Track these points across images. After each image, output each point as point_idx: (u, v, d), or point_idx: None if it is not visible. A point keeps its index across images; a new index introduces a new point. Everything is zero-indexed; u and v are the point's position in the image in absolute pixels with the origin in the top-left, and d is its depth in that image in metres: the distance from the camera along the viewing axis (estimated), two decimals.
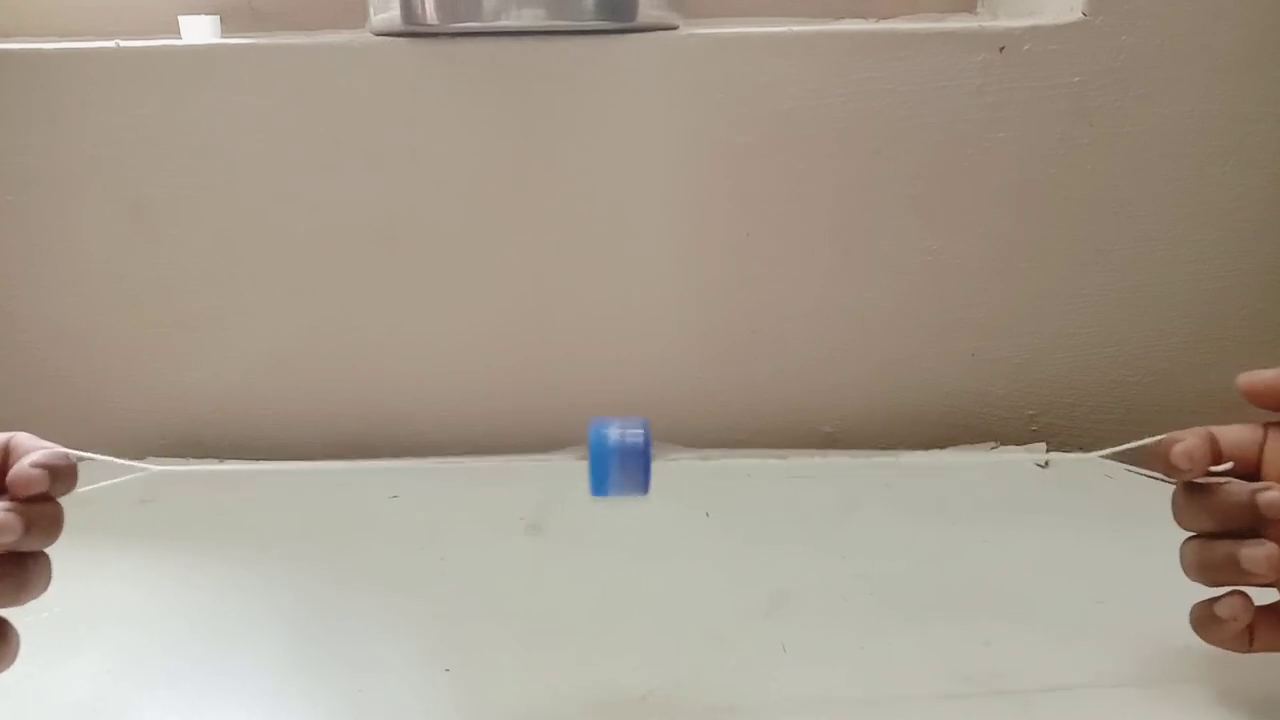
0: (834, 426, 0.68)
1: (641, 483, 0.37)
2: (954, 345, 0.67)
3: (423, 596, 0.50)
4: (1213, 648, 0.39)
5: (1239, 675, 0.42)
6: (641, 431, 0.37)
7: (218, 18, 0.65)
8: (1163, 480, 0.39)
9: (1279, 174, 0.63)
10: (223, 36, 0.64)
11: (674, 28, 0.61)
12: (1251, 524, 0.37)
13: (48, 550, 0.36)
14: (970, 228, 0.64)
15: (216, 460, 0.65)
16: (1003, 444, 0.67)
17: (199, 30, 0.64)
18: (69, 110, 0.61)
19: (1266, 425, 0.39)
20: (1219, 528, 0.38)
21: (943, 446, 0.67)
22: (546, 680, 0.43)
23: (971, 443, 0.67)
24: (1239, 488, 0.37)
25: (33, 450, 0.35)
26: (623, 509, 0.57)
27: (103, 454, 0.37)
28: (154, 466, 0.37)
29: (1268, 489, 0.37)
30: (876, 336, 0.66)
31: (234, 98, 0.61)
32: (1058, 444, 0.66)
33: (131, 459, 0.37)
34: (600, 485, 0.37)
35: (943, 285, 0.65)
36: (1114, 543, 0.54)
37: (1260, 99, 0.62)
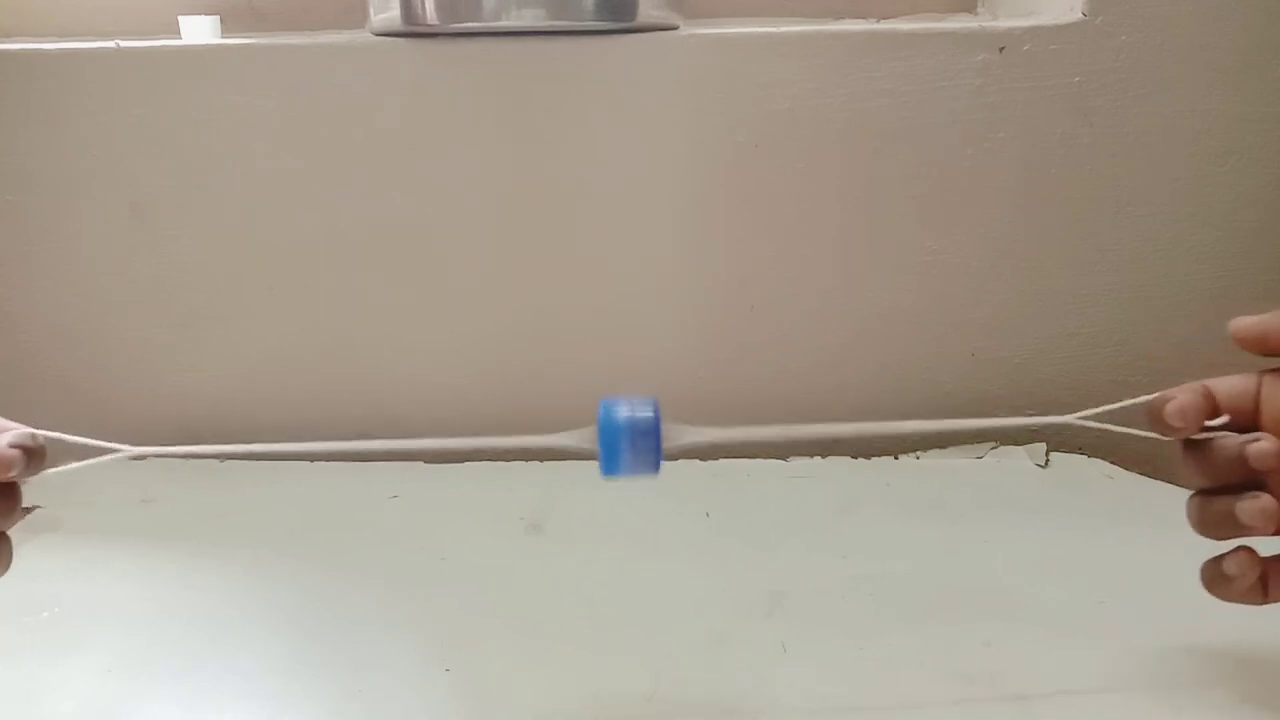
0: None
1: (653, 461, 0.37)
2: (954, 345, 0.67)
3: (423, 596, 0.50)
4: (1209, 643, 0.39)
5: (1240, 676, 0.42)
6: (652, 409, 0.37)
7: (218, 18, 0.65)
8: (1157, 438, 0.38)
9: (1279, 174, 0.63)
10: (223, 36, 0.65)
11: (674, 28, 0.61)
12: (1247, 477, 0.37)
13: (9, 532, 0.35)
14: (970, 228, 0.64)
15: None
16: (1003, 444, 0.67)
17: (199, 30, 0.64)
18: (69, 110, 0.61)
19: (1261, 373, 0.38)
20: (1216, 483, 0.38)
21: (943, 447, 0.67)
22: (547, 680, 0.43)
23: (971, 443, 0.67)
24: (1231, 440, 0.37)
25: (1, 430, 0.34)
26: (622, 509, 0.57)
27: (78, 436, 0.36)
28: (130, 449, 0.37)
29: (1257, 440, 0.36)
30: (876, 336, 0.66)
31: (234, 98, 0.61)
32: (1058, 444, 0.66)
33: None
34: (612, 465, 0.37)
35: (943, 285, 0.65)
36: (1114, 543, 0.54)
37: (1260, 99, 0.62)
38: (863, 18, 0.67)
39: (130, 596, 0.50)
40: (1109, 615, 0.47)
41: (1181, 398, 0.37)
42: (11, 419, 0.36)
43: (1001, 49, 0.60)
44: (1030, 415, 0.41)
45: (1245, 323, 0.38)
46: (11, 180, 0.63)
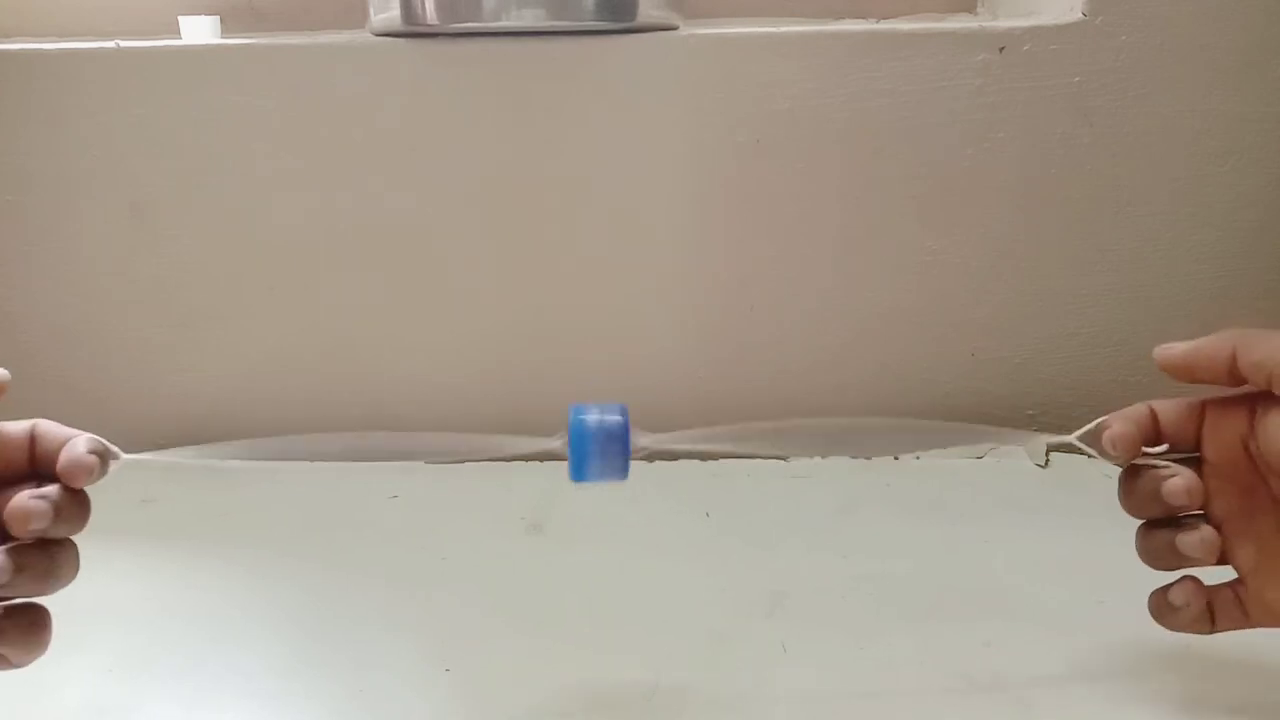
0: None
1: (621, 467, 0.37)
2: (954, 345, 0.67)
3: (423, 596, 0.50)
4: (1208, 645, 0.39)
5: (1240, 676, 0.42)
6: (620, 416, 0.37)
7: (218, 18, 0.65)
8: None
9: (1279, 174, 0.63)
10: (223, 36, 0.65)
11: (674, 28, 0.61)
12: (1167, 511, 0.37)
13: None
14: (970, 228, 0.64)
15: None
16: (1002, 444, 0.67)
17: (199, 30, 0.64)
18: (69, 110, 0.61)
19: (1205, 400, 0.38)
20: (1144, 515, 0.38)
21: (943, 447, 0.67)
22: (547, 680, 0.43)
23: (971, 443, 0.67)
24: (1154, 474, 0.37)
25: (65, 438, 0.35)
26: (622, 509, 0.57)
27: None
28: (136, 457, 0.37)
29: (1173, 475, 0.37)
30: (876, 336, 0.66)
31: (234, 98, 0.61)
32: (1058, 444, 0.66)
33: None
34: (580, 471, 0.37)
35: (943, 285, 0.65)
36: (1114, 543, 0.53)
37: (1260, 99, 0.62)
38: (863, 18, 0.67)
39: (130, 596, 0.50)
40: (1109, 615, 0.47)
41: (1117, 426, 0.38)
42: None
43: (1001, 49, 0.60)
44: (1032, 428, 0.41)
45: (1171, 352, 0.38)
46: (11, 180, 0.63)
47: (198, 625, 0.48)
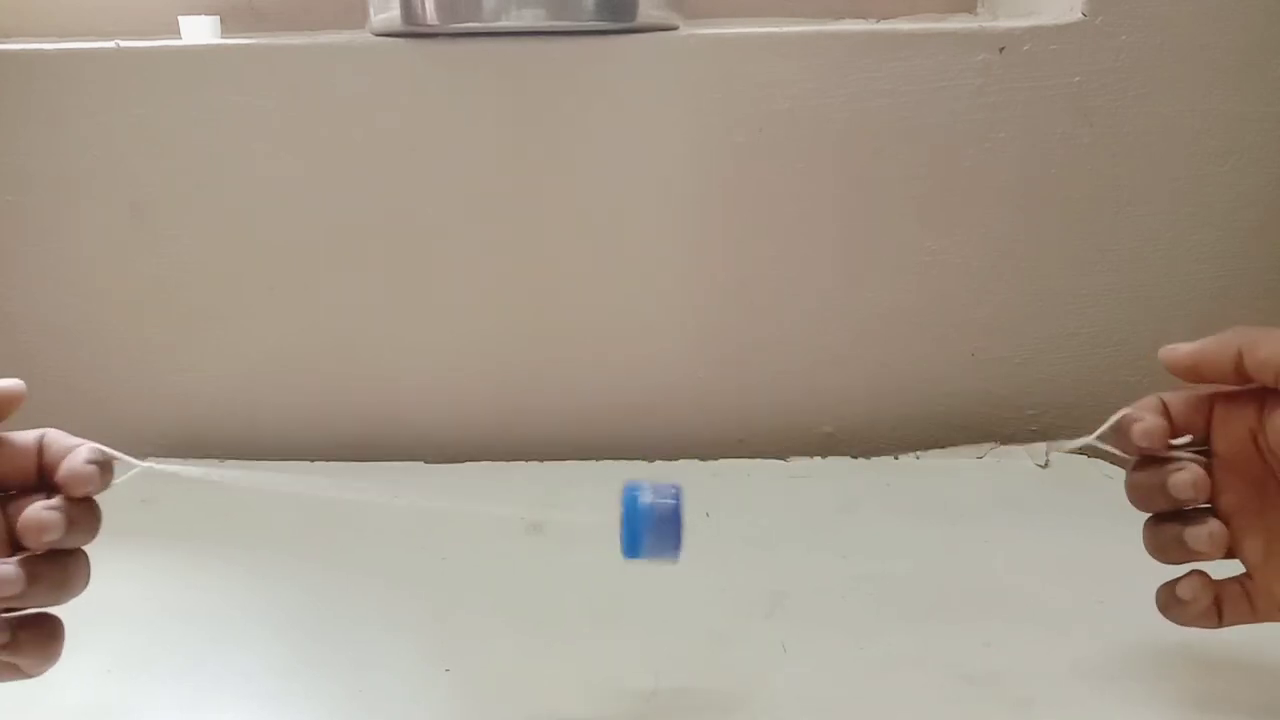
0: (834, 427, 0.68)
1: (674, 548, 0.37)
2: (954, 345, 0.67)
3: (423, 596, 0.50)
4: (1209, 644, 0.39)
5: (1239, 676, 0.42)
6: (674, 498, 0.37)
7: (218, 18, 0.65)
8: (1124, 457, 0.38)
9: (1279, 174, 0.63)
10: (223, 36, 0.65)
11: (674, 28, 0.61)
12: (1174, 505, 0.37)
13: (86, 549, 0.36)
14: (970, 228, 0.64)
15: (217, 460, 0.65)
16: (1003, 444, 0.67)
17: (199, 30, 0.64)
18: (69, 110, 0.61)
19: (1214, 395, 0.38)
20: (1150, 509, 0.38)
21: (943, 446, 0.67)
22: (546, 680, 0.43)
23: (971, 443, 0.67)
24: (1164, 467, 0.37)
25: (70, 448, 0.35)
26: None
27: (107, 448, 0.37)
28: (156, 465, 0.37)
29: (1180, 470, 0.36)
30: (876, 336, 0.66)
31: (234, 98, 0.61)
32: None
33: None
34: (634, 549, 0.37)
35: (943, 285, 0.65)
36: (1114, 543, 0.53)
37: (1260, 99, 0.62)
38: (863, 18, 0.67)
39: (130, 596, 0.50)
40: (1109, 615, 0.47)
41: (1147, 421, 0.37)
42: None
43: (1001, 49, 0.60)
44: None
45: (1176, 353, 0.38)
46: (11, 180, 0.63)
47: (198, 625, 0.48)
